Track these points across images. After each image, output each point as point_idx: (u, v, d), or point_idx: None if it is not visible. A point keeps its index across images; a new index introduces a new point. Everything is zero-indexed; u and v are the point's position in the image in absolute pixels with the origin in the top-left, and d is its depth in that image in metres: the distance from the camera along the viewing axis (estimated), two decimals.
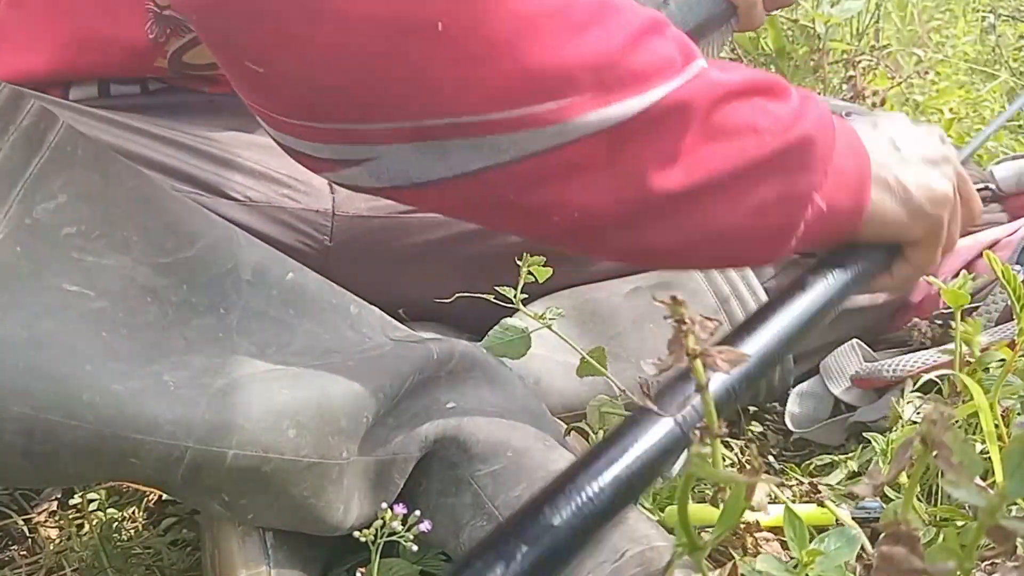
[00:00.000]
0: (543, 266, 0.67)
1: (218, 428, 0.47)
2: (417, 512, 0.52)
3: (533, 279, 0.66)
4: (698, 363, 0.41)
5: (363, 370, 0.54)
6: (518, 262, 0.66)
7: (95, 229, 0.48)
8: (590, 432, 0.66)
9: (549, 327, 0.67)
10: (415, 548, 0.52)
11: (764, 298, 0.78)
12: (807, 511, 0.62)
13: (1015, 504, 0.55)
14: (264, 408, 0.49)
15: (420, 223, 0.76)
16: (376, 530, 0.51)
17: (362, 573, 0.53)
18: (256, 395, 0.49)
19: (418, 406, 0.59)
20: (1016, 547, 0.45)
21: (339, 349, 0.55)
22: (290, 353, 0.53)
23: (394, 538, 0.51)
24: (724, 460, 0.66)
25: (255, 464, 0.49)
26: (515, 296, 0.65)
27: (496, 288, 0.66)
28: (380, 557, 0.52)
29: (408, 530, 0.51)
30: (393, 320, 0.64)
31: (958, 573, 0.29)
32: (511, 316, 0.68)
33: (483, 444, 0.58)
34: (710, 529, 0.37)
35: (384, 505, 0.52)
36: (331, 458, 0.52)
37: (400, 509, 0.52)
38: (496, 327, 0.67)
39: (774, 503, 0.64)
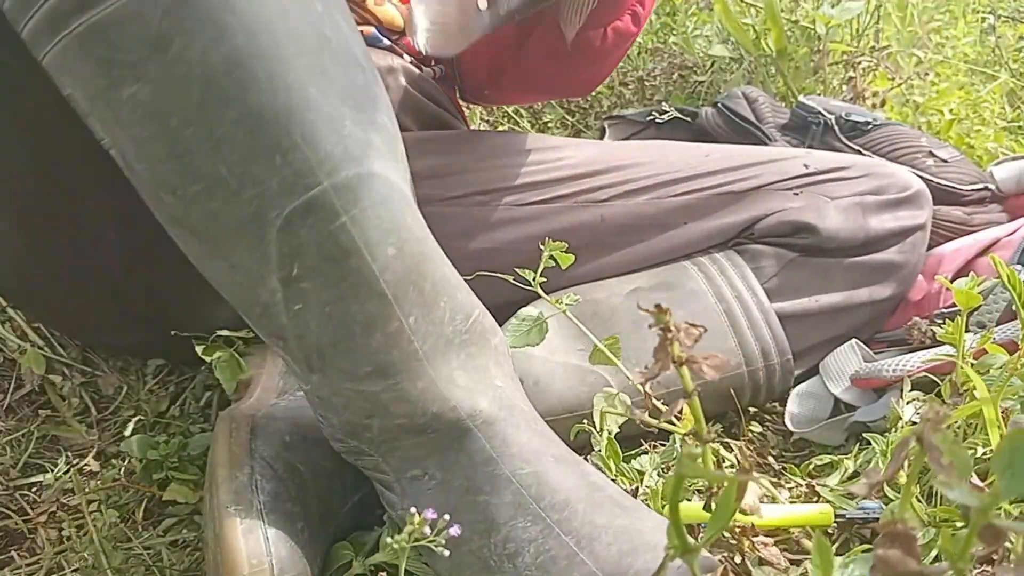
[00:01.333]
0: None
1: (352, 191, 0.48)
2: (447, 516, 0.51)
3: (554, 263, 0.66)
4: (684, 370, 0.42)
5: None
6: (522, 265, 0.66)
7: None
8: (594, 432, 0.66)
9: (564, 312, 0.67)
10: (447, 553, 0.51)
11: (764, 298, 0.78)
12: (807, 512, 0.62)
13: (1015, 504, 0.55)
14: (390, 210, 0.50)
15: (428, 216, 0.76)
16: (407, 535, 0.50)
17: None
18: (391, 196, 0.50)
19: (479, 362, 0.57)
20: (1014, 547, 0.45)
21: None
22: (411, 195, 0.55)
23: (424, 543, 0.50)
24: (724, 461, 0.66)
25: (348, 251, 0.49)
26: (534, 279, 0.65)
27: (516, 269, 0.66)
28: (365, 544, 0.52)
29: (438, 535, 0.50)
30: None
31: (954, 572, 0.29)
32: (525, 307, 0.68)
33: (525, 446, 0.55)
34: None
35: (412, 509, 0.51)
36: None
37: (430, 514, 0.50)
38: (512, 319, 0.68)
39: (772, 503, 0.64)
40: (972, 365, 0.64)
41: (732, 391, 0.77)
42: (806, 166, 0.84)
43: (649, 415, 0.56)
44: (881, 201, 0.83)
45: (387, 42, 0.81)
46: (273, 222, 0.48)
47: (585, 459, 0.70)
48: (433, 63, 0.88)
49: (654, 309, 0.41)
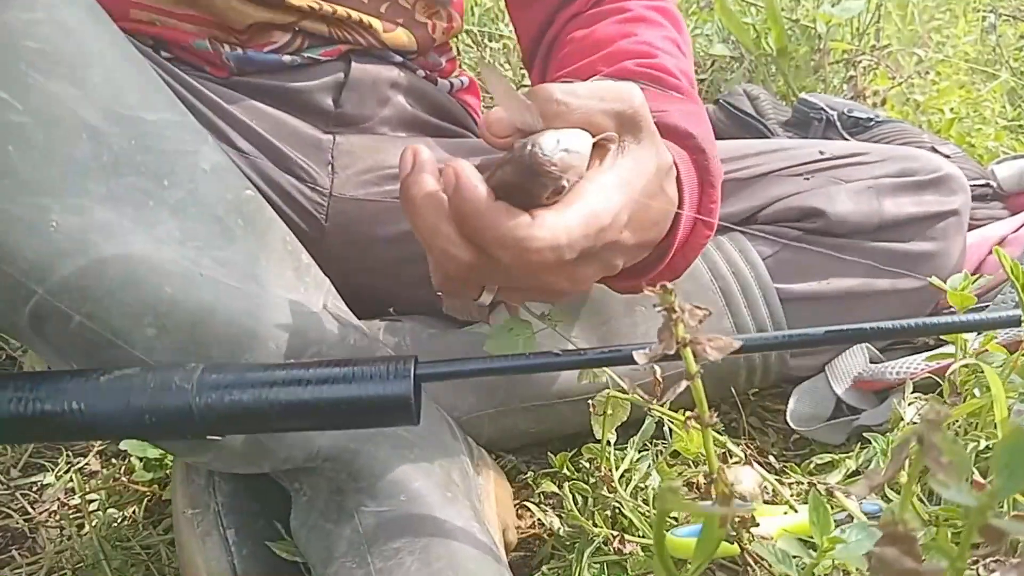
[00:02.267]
0: None
1: (75, 290, 0.43)
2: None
3: None
4: (688, 351, 0.41)
5: (268, 310, 0.49)
6: None
7: (58, 55, 0.44)
8: (596, 424, 0.66)
9: (554, 328, 0.66)
10: None
11: (764, 273, 0.74)
12: (806, 521, 0.61)
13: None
14: (136, 293, 0.45)
15: None
16: None
17: None
18: (137, 276, 0.45)
19: None
20: (1017, 544, 0.45)
21: (264, 282, 0.50)
22: (210, 258, 0.47)
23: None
24: (731, 456, 0.65)
25: (100, 343, 0.45)
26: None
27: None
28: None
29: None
30: (337, 294, 0.59)
31: (950, 572, 0.29)
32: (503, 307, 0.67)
33: (377, 479, 0.53)
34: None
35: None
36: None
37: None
38: (500, 325, 0.67)
39: (771, 502, 0.64)
40: (971, 365, 0.64)
41: (727, 373, 0.75)
42: (821, 152, 0.79)
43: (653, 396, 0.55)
44: (900, 184, 0.77)
45: (399, 58, 0.79)
46: (30, 334, 0.45)
47: (580, 451, 0.69)
48: (449, 74, 0.87)
49: (659, 289, 0.41)
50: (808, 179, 0.78)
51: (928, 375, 0.71)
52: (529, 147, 0.42)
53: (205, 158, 0.49)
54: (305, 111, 0.74)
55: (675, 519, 0.62)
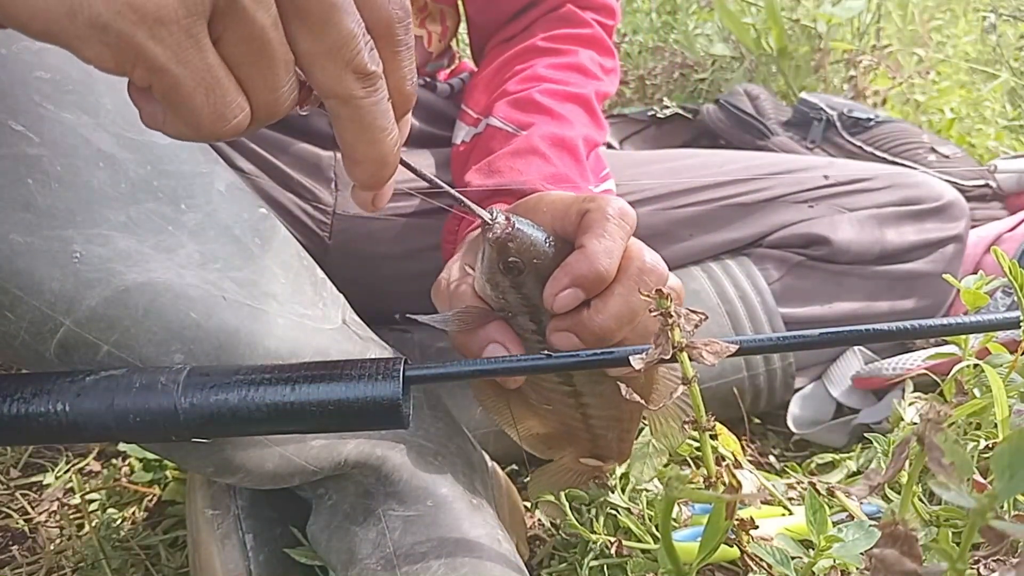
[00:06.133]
0: None
1: (102, 320, 0.43)
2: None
3: None
4: (684, 356, 0.41)
5: (289, 330, 0.49)
6: None
7: (69, 84, 0.45)
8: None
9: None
10: None
11: (770, 299, 0.76)
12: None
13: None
14: (161, 320, 0.44)
15: (420, 225, 0.75)
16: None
17: None
18: (162, 303, 0.44)
19: None
20: (1018, 543, 0.45)
21: (284, 300, 0.50)
22: (230, 279, 0.47)
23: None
24: (724, 460, 0.65)
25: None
26: None
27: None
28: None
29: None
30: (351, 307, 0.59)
31: (951, 573, 0.29)
32: None
33: (405, 484, 0.53)
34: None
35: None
36: None
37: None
38: None
39: (768, 503, 0.64)
40: (974, 366, 0.63)
41: (733, 396, 0.77)
42: (826, 177, 0.81)
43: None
44: (904, 212, 0.79)
45: None
46: (55, 363, 0.45)
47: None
48: (451, 76, 0.87)
49: (654, 295, 0.41)
50: (812, 207, 0.79)
51: (924, 372, 0.71)
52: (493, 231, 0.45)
53: (220, 178, 0.50)
54: (304, 133, 0.74)
55: (673, 523, 0.62)
